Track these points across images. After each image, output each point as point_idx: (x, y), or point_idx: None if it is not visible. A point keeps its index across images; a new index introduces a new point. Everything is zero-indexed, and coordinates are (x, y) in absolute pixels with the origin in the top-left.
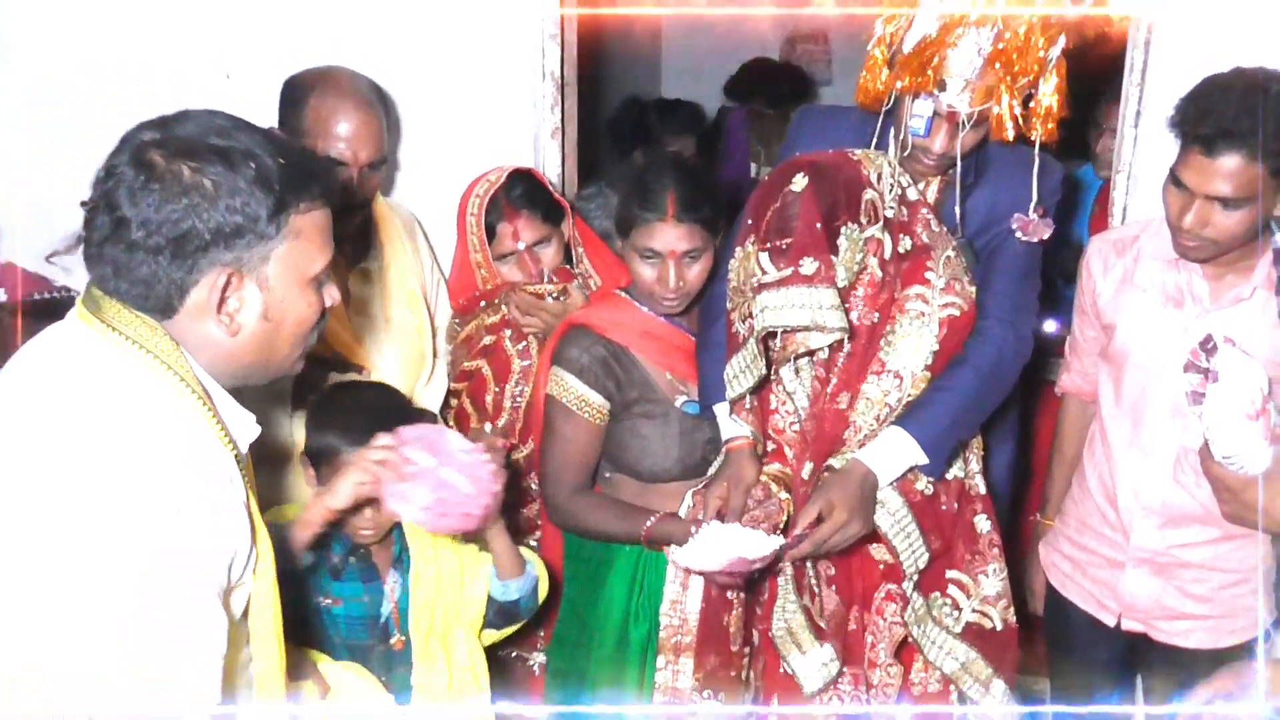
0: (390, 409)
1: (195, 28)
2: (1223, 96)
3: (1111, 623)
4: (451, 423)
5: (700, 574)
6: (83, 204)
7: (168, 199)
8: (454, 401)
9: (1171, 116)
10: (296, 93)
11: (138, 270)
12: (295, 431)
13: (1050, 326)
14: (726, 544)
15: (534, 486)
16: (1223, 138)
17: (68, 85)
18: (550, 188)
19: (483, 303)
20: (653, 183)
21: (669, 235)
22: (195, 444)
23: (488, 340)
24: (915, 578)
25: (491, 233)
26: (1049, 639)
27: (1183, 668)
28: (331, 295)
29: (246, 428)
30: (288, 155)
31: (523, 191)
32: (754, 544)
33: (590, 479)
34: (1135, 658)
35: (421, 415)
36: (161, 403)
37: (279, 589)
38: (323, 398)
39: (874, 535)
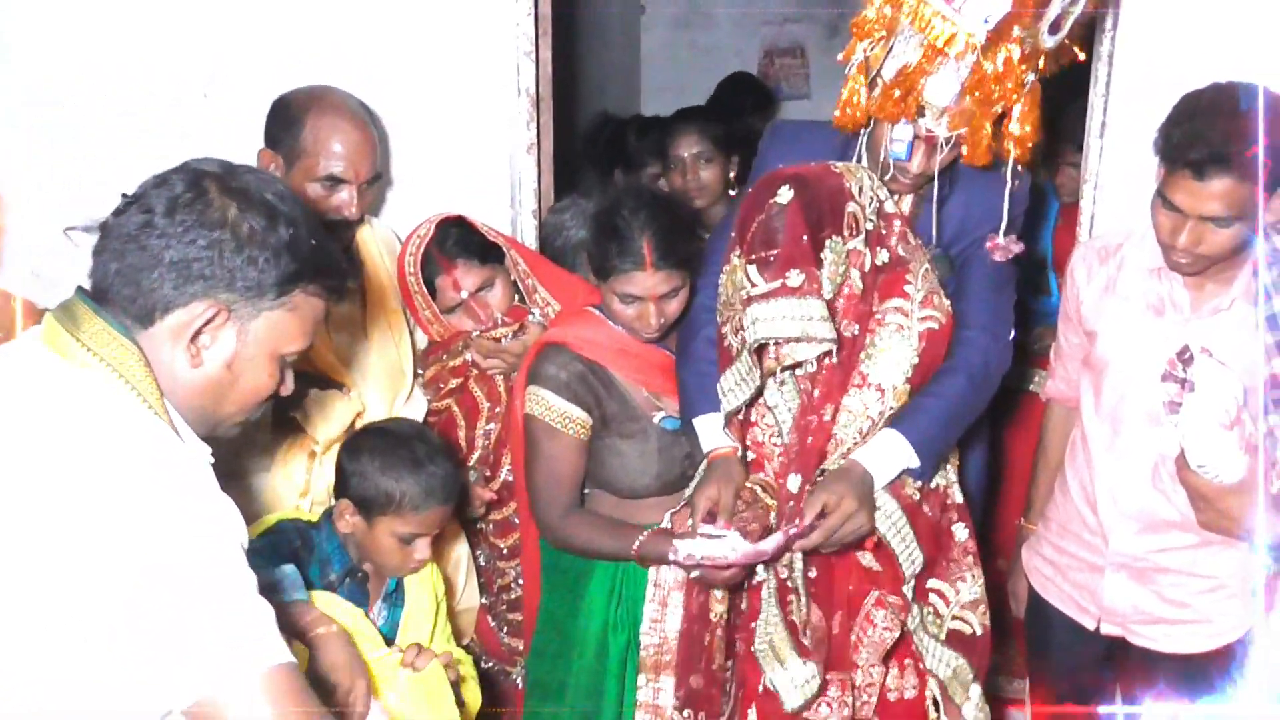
0: (451, 457)
1: (192, 30)
2: (1208, 120)
3: (1091, 626)
4: None
5: (707, 569)
6: (123, 195)
7: (201, 224)
8: None
9: (1156, 140)
10: (291, 112)
11: (140, 274)
12: (273, 446)
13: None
14: (734, 542)
15: (514, 520)
16: (1212, 162)
17: (68, 85)
18: (483, 230)
19: (445, 354)
20: (628, 232)
21: (649, 282)
22: (166, 461)
23: (454, 384)
24: (913, 582)
25: (433, 287)
26: (1030, 642)
27: (1160, 671)
28: (287, 384)
29: (204, 454)
30: (320, 240)
31: (455, 240)
32: (764, 548)
33: (580, 495)
34: (1114, 661)
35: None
36: (128, 421)
37: None
38: (380, 448)
39: (860, 542)
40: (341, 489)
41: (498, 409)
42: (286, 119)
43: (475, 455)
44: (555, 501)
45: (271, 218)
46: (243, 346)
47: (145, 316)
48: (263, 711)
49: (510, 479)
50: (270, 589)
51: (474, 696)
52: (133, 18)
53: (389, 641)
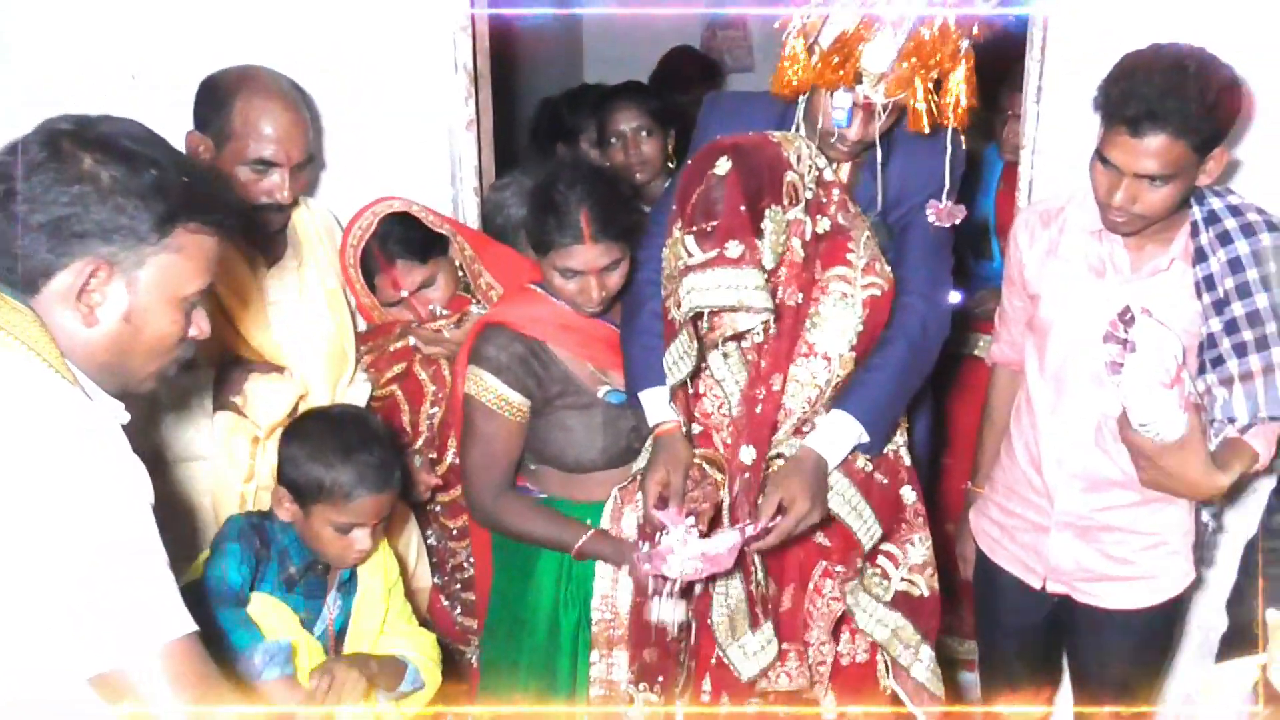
0: (388, 442)
1: (193, 28)
2: (1145, 77)
3: (1038, 585)
4: None
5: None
6: None
7: (60, 182)
8: None
9: (1096, 98)
10: (220, 94)
11: (12, 243)
12: (217, 429)
13: (954, 298)
14: (696, 554)
15: (464, 502)
16: (1148, 118)
17: (68, 85)
18: (426, 222)
19: (381, 339)
20: (565, 205)
21: (588, 255)
22: (71, 423)
23: (397, 369)
24: (866, 552)
25: (374, 285)
26: (978, 603)
27: (1103, 628)
28: (200, 326)
29: (118, 414)
30: (194, 175)
31: (395, 238)
32: (719, 545)
33: (513, 476)
34: (1059, 620)
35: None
36: (29, 384)
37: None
38: (314, 434)
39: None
40: (279, 475)
41: (442, 393)
42: (214, 101)
43: (420, 439)
44: (488, 482)
45: (132, 163)
46: (135, 297)
47: (29, 284)
48: (160, 684)
49: (457, 462)
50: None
51: (434, 678)
52: (131, 17)
53: (342, 632)
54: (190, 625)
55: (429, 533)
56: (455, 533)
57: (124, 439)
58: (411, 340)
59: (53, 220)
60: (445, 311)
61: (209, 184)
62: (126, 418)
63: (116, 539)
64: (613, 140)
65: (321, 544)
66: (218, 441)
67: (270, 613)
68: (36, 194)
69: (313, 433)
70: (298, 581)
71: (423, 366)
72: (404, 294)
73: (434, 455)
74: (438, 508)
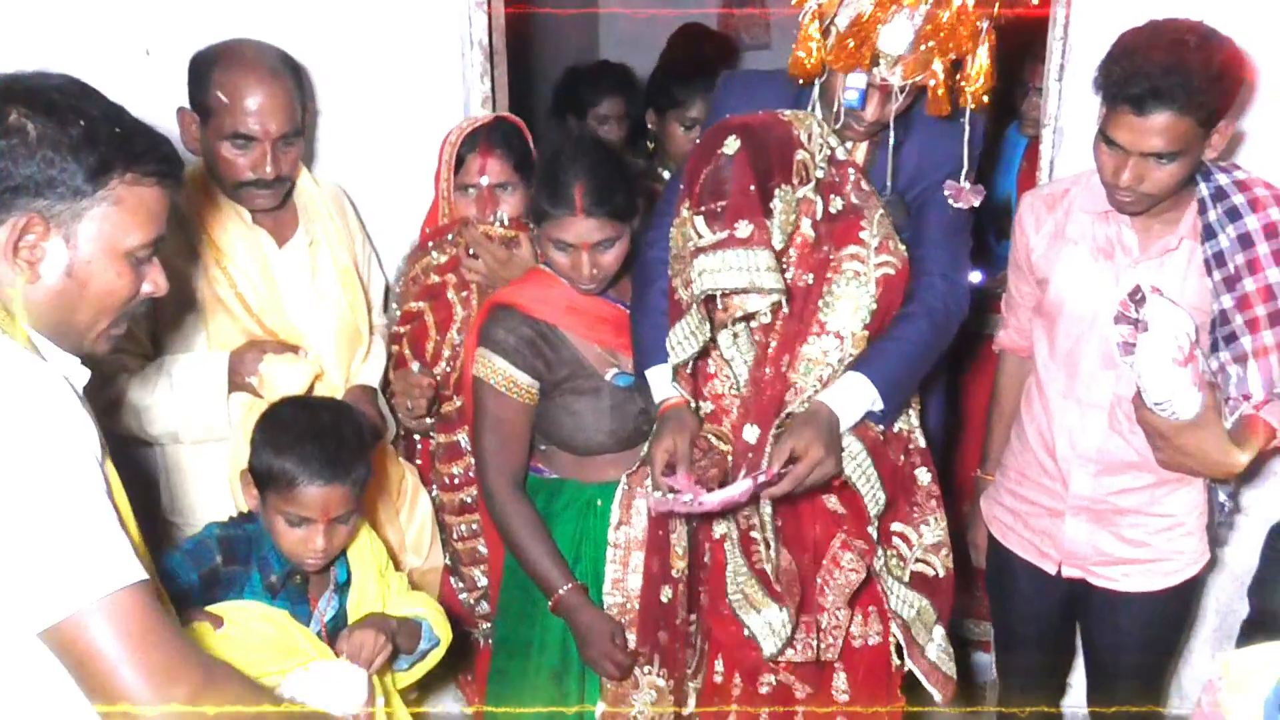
0: (349, 437)
1: (202, 6)
2: (1146, 55)
3: (1052, 570)
4: (392, 369)
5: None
6: None
7: None
8: (394, 347)
9: (1096, 78)
10: (201, 70)
11: None
12: (233, 410)
13: (975, 277)
14: (709, 505)
15: (464, 443)
16: (1152, 96)
17: (82, 59)
18: (532, 146)
19: (432, 243)
20: (561, 176)
21: (579, 228)
22: (14, 377)
23: (434, 279)
24: (877, 523)
25: (462, 164)
26: (992, 591)
27: (1119, 611)
28: (155, 282)
29: (74, 371)
30: (127, 127)
31: (501, 134)
32: (731, 493)
33: (526, 460)
34: (1074, 604)
35: (372, 434)
36: None
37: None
38: (276, 418)
39: (827, 485)
40: (249, 458)
41: (470, 317)
42: (198, 76)
43: (439, 368)
44: (503, 467)
45: (60, 115)
46: (76, 252)
47: None
48: (105, 635)
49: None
50: None
51: (445, 631)
52: (130, 16)
53: (337, 632)
54: (139, 574)
55: (432, 496)
56: (448, 482)
57: (71, 393)
58: (453, 252)
59: None
60: (506, 221)
61: (145, 135)
62: (86, 375)
63: (60, 493)
64: (686, 126)
65: (277, 537)
66: (234, 423)
67: (257, 618)
68: None
69: (278, 417)
70: (280, 590)
71: (456, 290)
72: (483, 180)
73: (447, 392)
74: (439, 450)
